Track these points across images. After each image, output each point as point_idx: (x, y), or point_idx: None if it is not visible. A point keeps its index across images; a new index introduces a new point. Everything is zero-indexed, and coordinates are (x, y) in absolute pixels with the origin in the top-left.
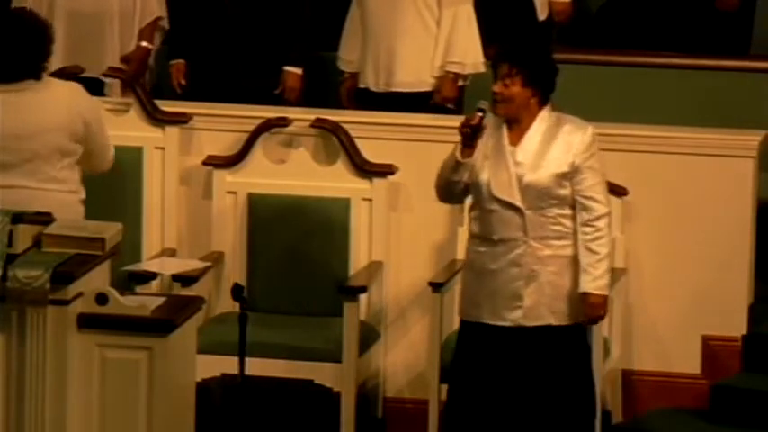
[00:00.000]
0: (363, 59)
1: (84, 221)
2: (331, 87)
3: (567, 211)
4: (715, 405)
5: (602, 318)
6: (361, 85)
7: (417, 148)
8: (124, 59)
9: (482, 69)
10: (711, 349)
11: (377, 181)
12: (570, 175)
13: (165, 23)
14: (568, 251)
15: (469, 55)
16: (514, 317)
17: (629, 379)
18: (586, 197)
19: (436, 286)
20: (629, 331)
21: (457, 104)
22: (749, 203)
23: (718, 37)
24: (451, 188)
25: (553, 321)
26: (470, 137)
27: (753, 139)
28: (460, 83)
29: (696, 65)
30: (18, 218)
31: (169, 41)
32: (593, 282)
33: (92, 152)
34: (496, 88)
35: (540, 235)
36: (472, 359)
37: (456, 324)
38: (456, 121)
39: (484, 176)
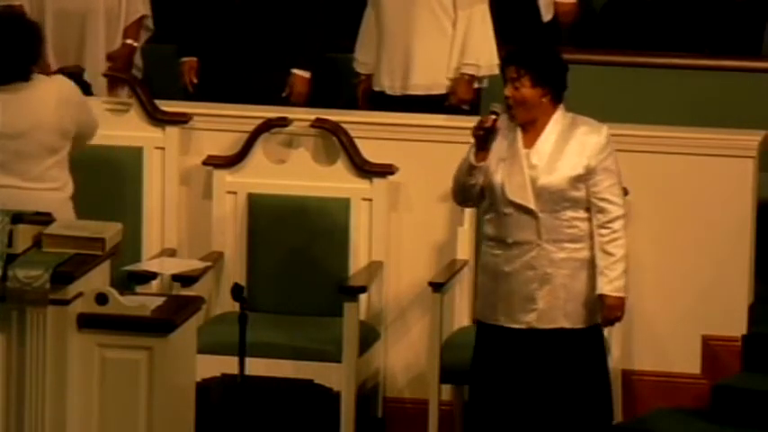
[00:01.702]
0: (379, 62)
1: (85, 221)
2: (339, 89)
3: (582, 214)
4: (715, 405)
5: (618, 320)
6: (377, 88)
7: (417, 148)
8: (110, 57)
9: (497, 71)
10: (711, 349)
11: (377, 181)
12: (585, 178)
13: (149, 23)
14: (583, 254)
15: (484, 56)
16: (528, 319)
17: (629, 379)
18: (602, 199)
19: (436, 286)
20: (629, 331)
21: (473, 106)
22: (749, 203)
23: (730, 37)
24: (467, 191)
25: (566, 324)
26: (483, 139)
27: (753, 139)
28: (476, 85)
29: (696, 65)
30: (18, 218)
31: (178, 39)
32: (610, 284)
33: (82, 136)
34: (507, 92)
35: (554, 238)
36: (490, 361)
37: (456, 324)
38: (461, 121)
39: (498, 179)
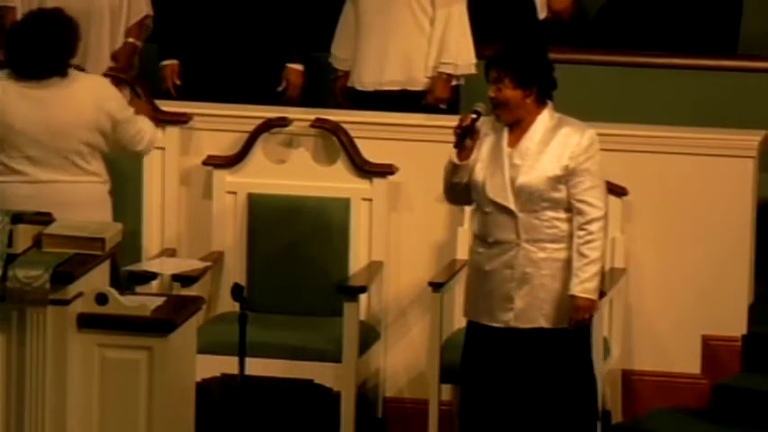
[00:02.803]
0: (356, 58)
1: (85, 221)
2: (330, 87)
3: (563, 215)
4: (715, 405)
5: (587, 321)
6: (352, 84)
7: (417, 148)
8: (113, 57)
9: (474, 70)
10: (711, 349)
11: (377, 181)
12: (565, 179)
13: (149, 22)
14: (564, 254)
15: (462, 56)
16: (506, 318)
17: (629, 379)
18: (580, 200)
19: (436, 286)
20: (629, 331)
21: (452, 105)
22: (749, 203)
23: (705, 37)
24: (455, 190)
25: (545, 324)
26: (461, 138)
27: (753, 139)
28: (454, 83)
29: (695, 65)
30: (18, 218)
31: (159, 41)
32: (580, 285)
33: (120, 142)
34: (491, 93)
35: (534, 238)
36: (475, 358)
37: (456, 324)
38: (456, 121)
39: (480, 178)
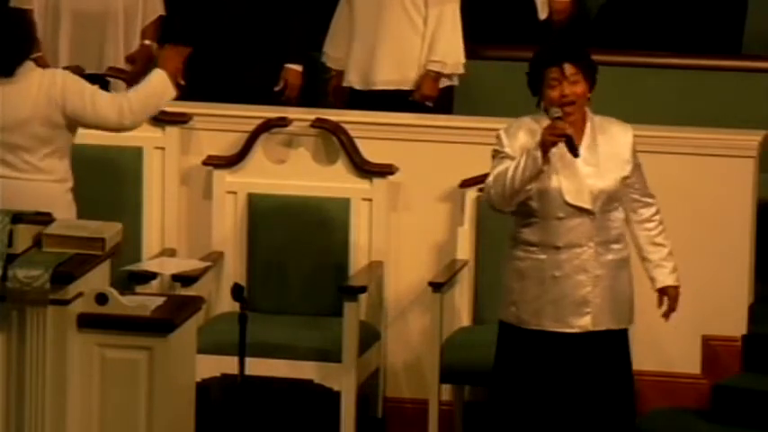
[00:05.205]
0: (349, 57)
1: (85, 221)
2: (324, 87)
3: (621, 214)
4: (715, 405)
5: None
6: (345, 84)
7: (417, 148)
8: (129, 59)
9: (462, 70)
10: (711, 349)
11: (377, 181)
12: (628, 176)
13: (161, 23)
14: (623, 254)
15: (451, 55)
16: (583, 323)
17: None
18: (644, 194)
19: (436, 286)
20: (630, 331)
21: (446, 106)
22: (749, 203)
23: (709, 36)
24: (521, 197)
25: (613, 326)
26: (569, 145)
27: (753, 139)
28: (446, 82)
29: (696, 65)
30: (18, 218)
31: (166, 40)
32: (672, 274)
33: (91, 125)
34: (567, 90)
35: (604, 239)
36: (533, 367)
37: (456, 324)
38: (461, 121)
39: (554, 184)
